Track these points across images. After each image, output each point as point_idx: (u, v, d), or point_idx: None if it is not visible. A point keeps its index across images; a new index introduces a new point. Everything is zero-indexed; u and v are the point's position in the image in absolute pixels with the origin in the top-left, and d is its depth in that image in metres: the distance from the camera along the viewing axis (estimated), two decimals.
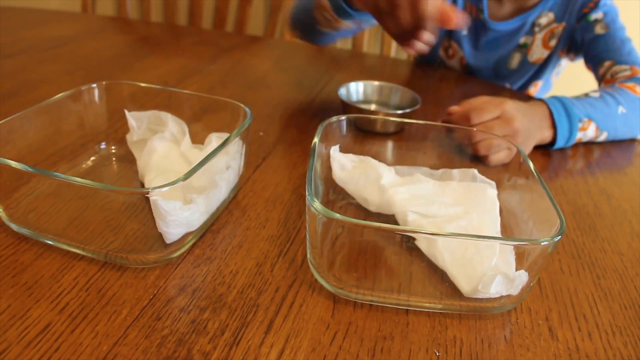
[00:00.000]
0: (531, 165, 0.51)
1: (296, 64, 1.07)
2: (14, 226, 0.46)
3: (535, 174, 0.49)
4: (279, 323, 0.40)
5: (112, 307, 0.40)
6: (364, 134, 0.69)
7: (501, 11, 1.04)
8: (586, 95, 0.81)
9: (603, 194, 0.65)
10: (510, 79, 1.11)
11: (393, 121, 0.68)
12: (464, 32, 1.09)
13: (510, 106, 0.69)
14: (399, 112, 0.75)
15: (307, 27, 0.95)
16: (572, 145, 0.79)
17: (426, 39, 0.62)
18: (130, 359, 0.36)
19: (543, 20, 1.02)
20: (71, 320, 0.38)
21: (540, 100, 0.77)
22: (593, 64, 0.96)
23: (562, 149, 0.78)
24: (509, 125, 0.68)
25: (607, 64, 0.92)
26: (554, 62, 1.08)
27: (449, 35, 1.12)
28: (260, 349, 0.38)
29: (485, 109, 0.68)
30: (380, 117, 0.73)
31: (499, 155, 0.65)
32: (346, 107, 0.78)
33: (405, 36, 0.62)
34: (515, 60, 1.08)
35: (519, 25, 1.03)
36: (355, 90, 0.84)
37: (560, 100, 0.77)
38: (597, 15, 0.95)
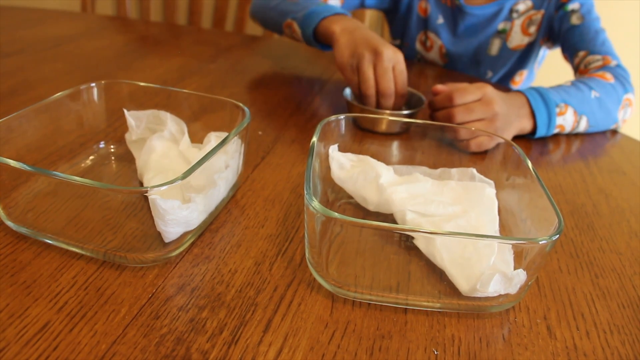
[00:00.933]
0: (529, 164, 0.51)
1: (295, 63, 1.07)
2: (12, 225, 0.46)
3: (533, 173, 0.49)
4: (278, 322, 0.40)
5: (111, 306, 0.40)
6: (363, 133, 0.69)
7: None
8: (559, 85, 0.83)
9: (601, 193, 0.66)
10: (491, 65, 1.13)
11: (397, 122, 0.68)
12: (440, 20, 1.10)
13: (491, 90, 0.73)
14: (405, 112, 0.75)
15: (270, 28, 1.03)
16: (570, 144, 0.79)
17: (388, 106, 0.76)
18: (128, 357, 0.36)
19: (521, 7, 1.04)
20: (70, 319, 0.38)
21: (518, 91, 0.80)
22: (569, 53, 0.98)
23: (561, 149, 0.78)
24: (488, 107, 0.71)
25: (581, 54, 0.94)
26: (536, 51, 1.10)
27: (424, 28, 1.13)
28: (259, 347, 0.38)
29: (468, 91, 0.72)
30: (380, 116, 0.73)
31: (479, 140, 0.67)
32: (351, 107, 0.78)
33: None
34: (495, 46, 1.10)
35: (496, 10, 1.05)
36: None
37: (535, 89, 0.80)
38: (573, 5, 0.97)
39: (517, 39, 1.07)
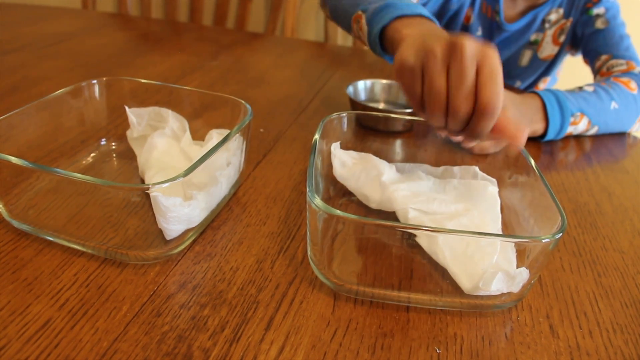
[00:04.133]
0: (532, 162, 0.51)
1: (297, 60, 1.06)
2: (14, 222, 0.46)
3: (536, 171, 0.49)
4: (279, 320, 0.40)
5: (112, 304, 0.40)
6: (365, 131, 0.69)
7: (514, 10, 1.04)
8: (580, 88, 0.81)
9: (604, 191, 0.65)
10: (520, 76, 1.11)
11: (400, 120, 0.68)
12: (479, 33, 1.08)
13: (505, 98, 0.69)
14: (408, 110, 0.75)
15: (339, 22, 0.85)
16: (574, 143, 0.79)
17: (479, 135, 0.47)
18: (130, 355, 0.36)
19: (553, 17, 1.02)
20: (71, 317, 0.38)
21: (534, 92, 0.77)
22: (590, 57, 0.97)
23: (564, 148, 0.77)
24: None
25: (604, 57, 0.93)
26: (562, 58, 1.08)
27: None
28: (261, 345, 0.38)
29: None
30: (383, 114, 0.73)
31: (482, 144, 0.66)
32: (354, 104, 0.78)
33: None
34: (526, 57, 1.08)
35: (529, 21, 1.03)
36: (364, 88, 0.84)
37: (554, 93, 0.77)
38: (599, 10, 0.96)
39: (549, 49, 1.05)
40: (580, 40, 0.99)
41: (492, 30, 1.07)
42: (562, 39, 1.03)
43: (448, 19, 1.12)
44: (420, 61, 0.47)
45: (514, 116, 0.70)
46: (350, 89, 0.80)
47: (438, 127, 0.48)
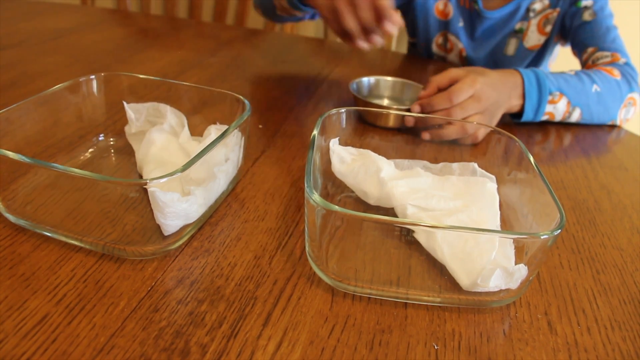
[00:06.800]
0: (532, 159, 0.50)
1: (296, 57, 1.06)
2: (11, 217, 0.46)
3: (535, 168, 0.49)
4: (277, 315, 0.40)
5: (110, 299, 0.39)
6: (364, 126, 0.69)
7: None
8: (562, 72, 0.83)
9: (603, 189, 0.65)
10: (507, 65, 1.12)
11: (404, 117, 0.68)
12: (460, 23, 1.09)
13: (481, 84, 0.72)
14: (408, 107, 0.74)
15: (267, 10, 1.02)
16: (573, 140, 0.79)
17: (389, 29, 0.67)
18: (127, 350, 0.35)
19: (537, 6, 1.03)
20: (68, 312, 0.38)
21: (516, 70, 0.79)
22: (578, 49, 0.98)
23: (563, 145, 0.77)
24: (480, 103, 0.72)
25: (590, 50, 0.94)
26: (551, 49, 1.09)
27: (444, 29, 1.12)
28: (258, 341, 0.37)
29: (463, 90, 0.71)
30: (385, 110, 0.72)
31: (475, 134, 0.68)
32: (357, 101, 0.77)
33: (361, 33, 0.69)
34: (512, 46, 1.09)
35: (513, 9, 1.04)
36: (367, 85, 0.84)
37: (534, 71, 0.79)
38: (586, 2, 0.97)
39: (534, 39, 1.06)
40: (569, 32, 1.00)
41: (472, 19, 1.08)
42: (548, 28, 1.04)
43: (417, 13, 1.12)
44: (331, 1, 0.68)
45: (492, 101, 0.73)
46: (354, 85, 0.79)
47: (359, 41, 0.69)
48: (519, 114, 0.81)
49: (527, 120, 0.81)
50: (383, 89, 0.85)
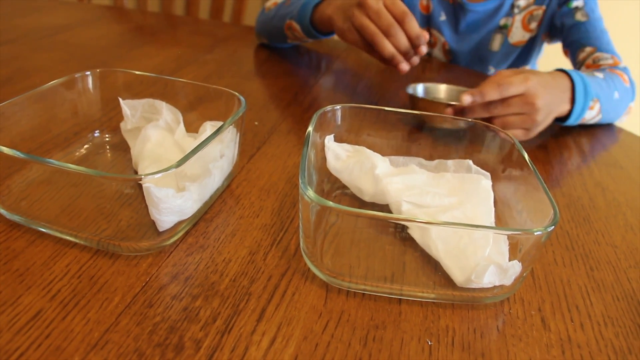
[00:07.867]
0: (526, 156, 0.51)
1: (292, 54, 1.06)
2: (6, 213, 0.46)
3: (530, 165, 0.49)
4: (271, 311, 0.40)
5: (104, 295, 0.40)
6: (359, 123, 0.69)
7: None
8: (592, 73, 0.81)
9: (598, 186, 0.66)
10: (493, 61, 1.12)
11: (456, 110, 0.67)
12: (442, 17, 1.09)
13: (535, 83, 0.67)
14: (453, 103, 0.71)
15: (275, 38, 1.04)
16: (569, 138, 0.79)
17: (424, 51, 0.73)
18: (121, 345, 0.36)
19: (522, 2, 1.04)
20: (62, 307, 0.38)
21: (563, 71, 0.75)
22: (572, 49, 0.98)
23: (558, 141, 0.78)
24: (529, 103, 0.67)
25: (588, 49, 0.94)
26: (538, 46, 1.09)
27: (427, 24, 1.13)
28: (252, 336, 0.38)
29: (513, 84, 0.66)
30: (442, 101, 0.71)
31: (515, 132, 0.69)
32: (415, 101, 0.76)
33: (399, 57, 0.73)
34: (497, 42, 1.09)
35: (497, 5, 1.05)
36: (423, 90, 0.82)
37: (580, 76, 0.75)
38: (577, 2, 0.97)
39: (519, 35, 1.07)
40: (560, 32, 1.01)
41: (456, 12, 1.08)
42: (533, 25, 1.05)
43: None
44: (349, 22, 0.75)
45: (546, 103, 0.68)
46: (410, 89, 0.79)
47: (389, 53, 0.72)
48: (559, 117, 0.77)
49: (567, 125, 0.77)
50: (438, 95, 0.84)
